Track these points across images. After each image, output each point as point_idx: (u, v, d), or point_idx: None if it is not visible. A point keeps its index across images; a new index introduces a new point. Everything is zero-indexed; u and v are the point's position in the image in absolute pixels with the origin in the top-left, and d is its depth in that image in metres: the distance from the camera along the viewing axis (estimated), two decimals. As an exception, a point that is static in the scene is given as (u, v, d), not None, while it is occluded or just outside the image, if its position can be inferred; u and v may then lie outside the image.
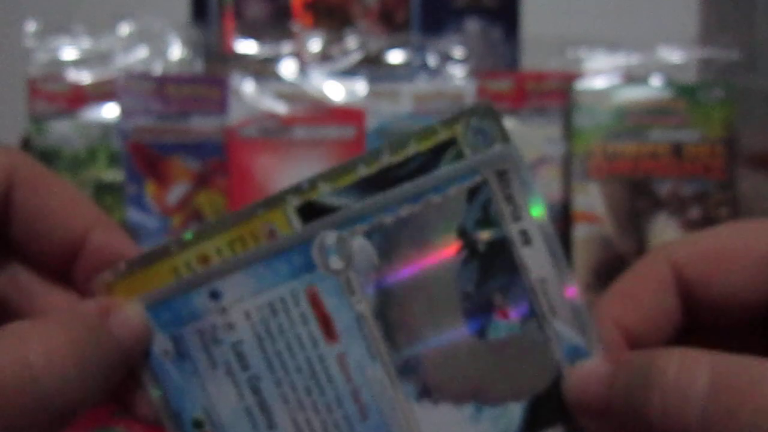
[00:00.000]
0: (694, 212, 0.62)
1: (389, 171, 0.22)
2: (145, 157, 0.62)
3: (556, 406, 0.22)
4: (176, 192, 0.62)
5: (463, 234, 0.22)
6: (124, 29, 0.63)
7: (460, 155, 0.22)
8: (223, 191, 0.62)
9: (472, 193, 0.22)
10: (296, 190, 0.22)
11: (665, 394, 0.18)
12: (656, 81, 0.64)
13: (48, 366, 0.19)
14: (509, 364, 0.22)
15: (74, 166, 0.62)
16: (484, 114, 0.22)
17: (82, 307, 0.22)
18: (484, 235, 0.22)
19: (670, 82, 0.63)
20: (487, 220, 0.22)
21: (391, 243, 0.22)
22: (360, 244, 0.22)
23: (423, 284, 0.22)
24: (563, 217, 0.63)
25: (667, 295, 0.22)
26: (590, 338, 0.22)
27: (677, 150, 0.62)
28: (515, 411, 0.22)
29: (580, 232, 0.63)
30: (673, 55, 0.65)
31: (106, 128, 0.62)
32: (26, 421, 0.19)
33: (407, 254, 0.22)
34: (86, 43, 0.63)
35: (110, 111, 0.62)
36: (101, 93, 0.62)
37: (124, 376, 0.22)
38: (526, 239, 0.22)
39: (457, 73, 0.65)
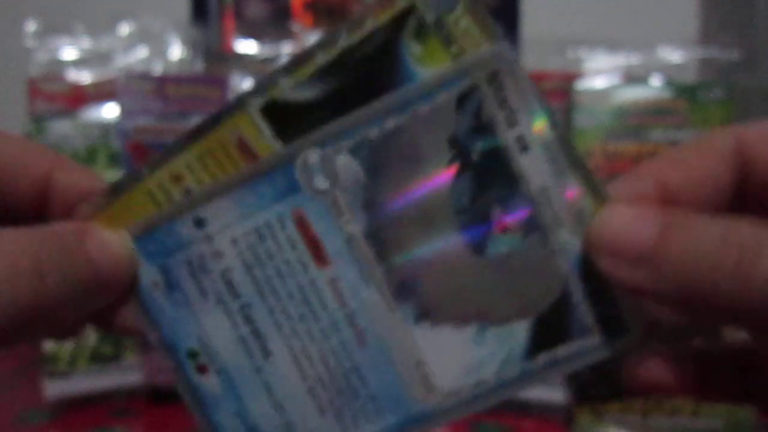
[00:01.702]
0: (754, 123, 0.62)
1: (349, 53, 0.20)
2: (145, 157, 0.62)
3: (565, 322, 0.21)
4: (176, 192, 0.62)
5: (455, 144, 0.20)
6: (124, 29, 0.63)
7: (422, 23, 0.20)
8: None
9: (462, 99, 0.20)
10: (257, 90, 0.21)
11: (737, 250, 0.17)
12: (656, 81, 0.64)
13: (2, 263, 0.18)
14: (512, 280, 0.21)
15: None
16: None
17: (57, 224, 0.21)
18: (478, 144, 0.20)
19: (670, 82, 0.63)
20: (480, 127, 0.20)
21: (378, 158, 0.21)
22: (345, 161, 0.21)
23: (415, 200, 0.21)
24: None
25: (722, 164, 0.20)
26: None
27: (677, 150, 0.62)
28: (521, 330, 0.21)
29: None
30: (673, 55, 0.65)
31: (106, 128, 0.62)
32: None
33: (396, 169, 0.21)
34: (86, 43, 0.63)
35: (110, 111, 0.62)
36: (101, 93, 0.62)
37: (104, 303, 0.21)
38: (524, 146, 0.20)
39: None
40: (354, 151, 0.21)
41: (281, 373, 0.22)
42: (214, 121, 0.21)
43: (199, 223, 0.22)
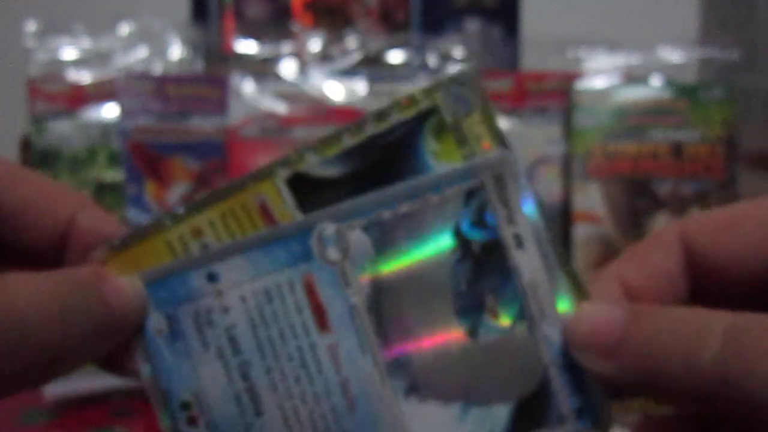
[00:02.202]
0: (694, 212, 0.62)
1: (374, 140, 0.22)
2: (145, 157, 0.62)
3: (544, 408, 0.22)
4: (176, 192, 0.62)
5: (459, 234, 0.22)
6: (124, 29, 0.63)
7: (441, 122, 0.22)
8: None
9: (469, 195, 0.22)
10: (285, 161, 0.23)
11: (687, 339, 0.19)
12: (656, 81, 0.64)
13: (34, 309, 0.19)
14: (498, 365, 0.22)
15: (74, 166, 0.62)
16: (463, 81, 0.22)
17: (76, 269, 0.22)
18: (479, 237, 0.22)
19: (670, 82, 0.63)
20: (482, 222, 0.22)
21: (388, 238, 0.22)
22: (358, 237, 0.22)
23: (417, 281, 0.22)
24: (563, 217, 0.63)
25: (673, 257, 0.23)
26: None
27: (677, 150, 0.62)
28: (502, 412, 0.22)
29: (580, 232, 0.63)
30: (673, 55, 0.65)
31: (106, 128, 0.62)
32: (9, 360, 0.19)
33: (403, 250, 0.22)
34: (86, 43, 0.63)
35: (110, 111, 0.62)
36: (101, 93, 0.62)
37: (114, 346, 0.22)
38: (519, 242, 0.22)
39: (457, 73, 0.65)
40: (367, 229, 0.22)
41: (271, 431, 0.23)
42: (241, 184, 0.23)
43: (212, 277, 0.23)
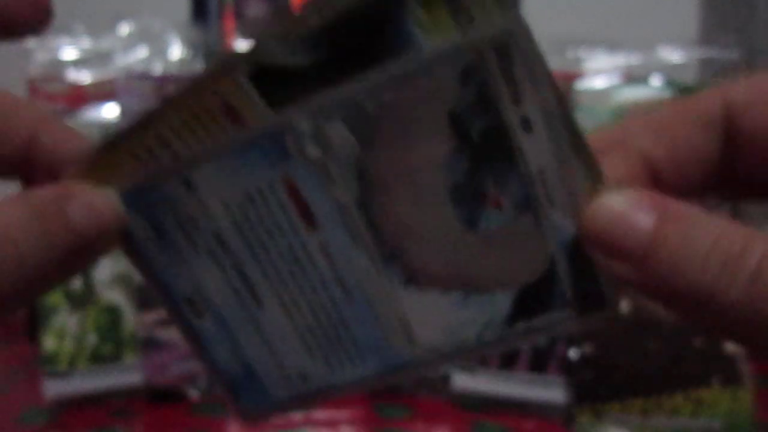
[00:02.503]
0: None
1: (347, 16, 0.18)
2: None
3: (548, 293, 0.21)
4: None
5: (455, 120, 0.19)
6: (124, 29, 0.63)
7: None
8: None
9: (466, 73, 0.19)
10: (243, 55, 0.20)
11: (721, 263, 0.17)
12: (656, 81, 0.64)
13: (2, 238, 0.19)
14: (500, 253, 0.21)
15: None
16: None
17: (38, 191, 0.21)
18: (479, 123, 0.19)
19: (670, 82, 0.63)
20: (482, 103, 0.19)
21: (373, 130, 0.20)
22: (338, 132, 0.20)
23: (409, 173, 0.20)
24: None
25: (709, 136, 0.20)
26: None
27: (677, 150, 0.62)
28: (503, 299, 0.21)
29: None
30: (673, 55, 0.65)
31: (106, 128, 0.62)
32: None
33: (391, 141, 0.20)
34: (86, 43, 0.63)
35: (110, 111, 0.62)
36: (101, 93, 0.62)
37: (96, 258, 0.22)
38: (527, 126, 0.19)
39: (457, 73, 0.65)
40: (348, 121, 0.20)
41: (272, 319, 0.23)
42: (199, 85, 0.20)
43: (189, 185, 0.22)
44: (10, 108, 0.23)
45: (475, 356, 0.23)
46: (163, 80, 0.62)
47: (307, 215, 0.21)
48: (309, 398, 0.24)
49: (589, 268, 0.20)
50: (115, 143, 0.22)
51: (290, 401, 0.25)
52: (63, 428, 0.53)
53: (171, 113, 0.21)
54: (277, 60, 0.19)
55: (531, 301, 0.21)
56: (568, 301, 0.21)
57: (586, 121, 0.63)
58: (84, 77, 0.62)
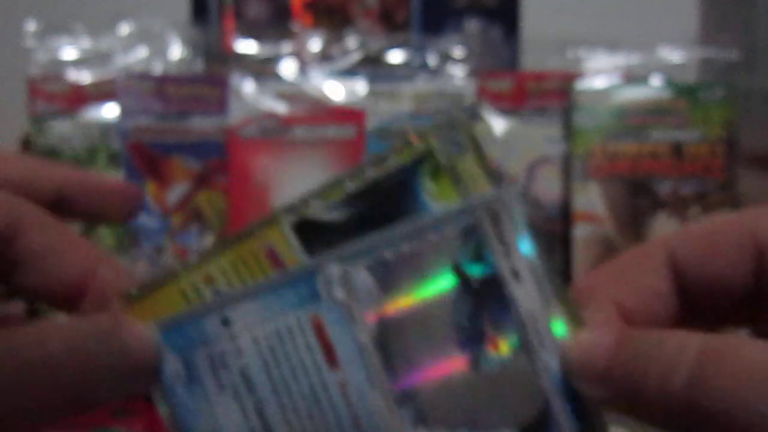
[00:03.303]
0: (694, 212, 0.62)
1: (374, 185, 0.24)
2: (145, 157, 0.62)
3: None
4: (176, 192, 0.62)
5: (458, 270, 0.23)
6: (124, 29, 0.63)
7: (437, 165, 0.24)
8: (223, 191, 0.62)
9: (467, 232, 0.23)
10: (290, 208, 0.24)
11: (661, 364, 0.20)
12: (656, 81, 0.64)
13: (65, 351, 0.21)
14: (500, 393, 0.23)
15: (74, 166, 0.62)
16: (454, 125, 0.24)
17: (98, 316, 0.23)
18: (478, 273, 0.23)
19: (670, 82, 0.63)
20: (480, 258, 0.23)
21: (391, 276, 0.24)
22: (363, 277, 0.23)
23: (420, 316, 0.23)
24: (563, 217, 0.63)
25: (662, 276, 0.23)
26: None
27: (677, 150, 0.62)
28: None
29: (580, 232, 0.63)
30: (673, 55, 0.65)
31: (106, 128, 0.62)
32: (39, 400, 0.20)
33: (406, 288, 0.24)
34: (86, 43, 0.63)
35: (110, 111, 0.62)
36: (101, 93, 0.62)
37: (131, 393, 0.23)
38: (516, 276, 0.23)
39: (457, 73, 0.65)
40: (371, 269, 0.24)
41: None
42: (249, 232, 0.24)
43: (225, 322, 0.24)
44: (75, 239, 0.24)
45: None
46: (163, 80, 0.62)
47: (331, 354, 0.23)
48: None
49: (581, 408, 0.23)
50: (164, 280, 0.24)
51: None
52: (63, 428, 0.53)
53: (220, 255, 0.24)
54: (317, 215, 0.24)
55: None
56: None
57: (586, 121, 0.63)
58: (84, 77, 0.62)
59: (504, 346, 0.23)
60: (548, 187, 0.63)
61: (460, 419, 0.23)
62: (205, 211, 0.62)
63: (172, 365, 0.24)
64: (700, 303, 0.24)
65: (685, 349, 0.20)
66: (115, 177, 0.25)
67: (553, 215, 0.63)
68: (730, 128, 0.63)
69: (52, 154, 0.62)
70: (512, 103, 0.64)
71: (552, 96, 0.64)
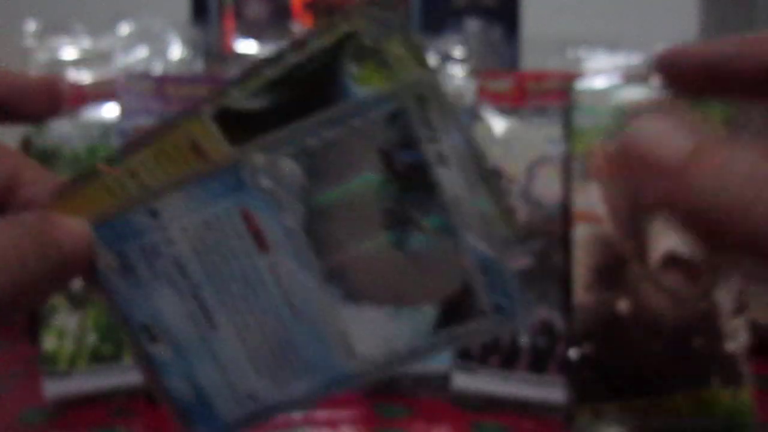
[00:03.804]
0: None
1: (295, 70, 0.23)
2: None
3: (467, 306, 0.25)
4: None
5: (384, 155, 0.24)
6: (124, 29, 0.63)
7: (361, 47, 0.23)
8: (223, 191, 0.62)
9: (393, 117, 0.23)
10: (209, 98, 0.24)
11: (756, 188, 0.18)
12: (656, 81, 0.64)
13: None
14: (424, 270, 0.24)
15: (74, 166, 0.62)
16: (382, 3, 0.23)
17: (26, 215, 0.23)
18: (404, 157, 0.24)
19: (670, 82, 0.63)
20: (405, 142, 0.23)
21: (317, 163, 0.24)
22: (288, 165, 0.24)
23: (347, 201, 0.24)
24: (563, 217, 0.63)
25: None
26: (500, 250, 0.24)
27: (677, 150, 0.62)
28: (429, 311, 0.25)
29: (580, 232, 0.63)
30: (673, 55, 0.65)
31: (106, 128, 0.62)
32: None
33: (332, 173, 0.24)
34: (86, 43, 0.63)
35: (110, 111, 0.62)
36: (101, 93, 0.62)
37: (67, 284, 0.24)
38: (442, 160, 0.23)
39: (457, 72, 0.65)
40: (296, 156, 0.23)
41: (225, 342, 0.25)
42: (170, 124, 0.24)
43: (154, 214, 0.24)
44: None
45: (407, 365, 0.25)
46: (163, 80, 0.62)
47: (260, 239, 0.24)
48: (258, 418, 0.26)
49: (500, 283, 0.24)
50: (89, 177, 0.24)
51: (240, 423, 0.27)
52: (63, 428, 0.53)
53: (143, 149, 0.24)
54: (238, 104, 0.24)
55: (452, 312, 0.25)
56: (484, 312, 0.25)
57: (586, 121, 0.63)
58: (84, 77, 0.62)
59: (428, 228, 0.24)
60: (548, 187, 0.63)
61: (387, 294, 0.25)
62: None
63: (105, 258, 0.24)
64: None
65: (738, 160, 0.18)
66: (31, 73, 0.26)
67: (553, 215, 0.63)
68: (730, 128, 0.63)
69: (52, 154, 0.62)
70: (512, 103, 0.64)
71: (552, 96, 0.64)
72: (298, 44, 0.23)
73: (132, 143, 0.24)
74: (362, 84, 0.23)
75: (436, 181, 0.23)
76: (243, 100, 0.23)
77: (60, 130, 0.61)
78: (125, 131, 0.61)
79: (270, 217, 0.24)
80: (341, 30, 0.23)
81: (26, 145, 0.62)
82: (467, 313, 0.25)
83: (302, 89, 0.23)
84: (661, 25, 0.72)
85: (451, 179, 0.23)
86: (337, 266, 0.24)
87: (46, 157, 0.61)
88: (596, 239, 0.63)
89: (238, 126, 0.24)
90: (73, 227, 0.23)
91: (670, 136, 0.19)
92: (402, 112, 0.23)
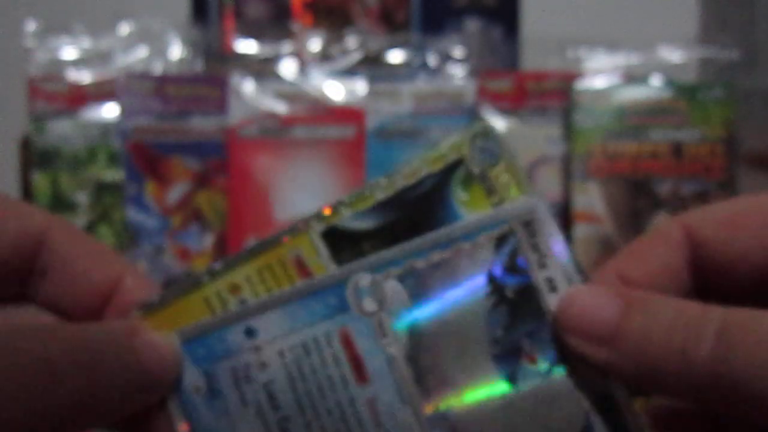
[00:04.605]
0: (697, 209, 0.62)
1: (405, 193, 0.23)
2: (145, 156, 0.62)
3: None
4: (176, 192, 0.62)
5: (492, 280, 0.22)
6: (124, 29, 0.63)
7: (469, 173, 0.23)
8: (223, 191, 0.62)
9: (500, 241, 0.22)
10: (319, 216, 0.23)
11: (684, 332, 0.19)
12: (656, 81, 0.64)
13: (65, 356, 0.19)
14: (539, 412, 0.22)
15: (74, 166, 0.62)
16: (487, 134, 0.23)
17: (111, 322, 0.22)
18: (512, 283, 0.22)
19: (670, 82, 0.63)
20: (514, 267, 0.22)
21: (423, 287, 0.23)
22: (393, 287, 0.22)
23: (453, 328, 0.22)
24: (563, 217, 0.63)
25: (675, 252, 0.22)
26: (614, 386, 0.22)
27: (677, 150, 0.62)
28: None
29: (580, 232, 0.63)
30: (673, 55, 0.65)
31: (106, 128, 0.62)
32: (36, 405, 0.19)
33: (438, 298, 0.22)
34: (86, 43, 0.63)
35: (110, 111, 0.62)
36: (101, 93, 0.62)
37: (147, 402, 0.22)
38: (552, 286, 0.22)
39: (457, 72, 0.65)
40: (402, 278, 0.22)
41: None
42: (276, 240, 0.23)
43: (250, 333, 0.23)
44: (103, 250, 0.24)
45: None
46: (163, 80, 0.62)
47: (359, 368, 0.22)
48: None
49: (623, 423, 0.21)
50: (188, 288, 0.23)
51: None
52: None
53: (246, 263, 0.23)
54: (346, 223, 0.23)
55: None
56: None
57: (586, 121, 0.63)
58: (84, 77, 0.62)
59: (541, 360, 0.22)
60: (548, 187, 0.63)
61: None
62: (205, 210, 0.62)
63: (192, 377, 0.23)
64: (715, 281, 0.23)
65: (708, 317, 0.19)
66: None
67: (553, 215, 0.63)
68: (730, 128, 0.63)
69: (52, 154, 0.62)
70: (512, 103, 0.64)
71: (552, 96, 0.64)
72: (410, 170, 0.23)
73: (236, 256, 0.23)
74: (470, 208, 0.23)
75: (546, 308, 0.22)
76: (352, 220, 0.23)
77: (60, 130, 0.61)
78: (125, 131, 0.61)
79: (371, 344, 0.22)
80: (450, 158, 0.23)
81: (26, 145, 0.62)
82: None
83: (410, 212, 0.23)
84: (661, 25, 0.72)
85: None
86: (443, 406, 0.22)
87: (46, 157, 0.61)
88: (596, 239, 0.63)
89: (346, 246, 0.23)
90: (161, 343, 0.22)
91: (599, 304, 0.20)
92: (510, 235, 0.22)
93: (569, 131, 0.64)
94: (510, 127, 0.63)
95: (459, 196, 0.23)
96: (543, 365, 0.22)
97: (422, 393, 0.22)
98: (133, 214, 0.61)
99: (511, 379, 0.22)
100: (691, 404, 0.20)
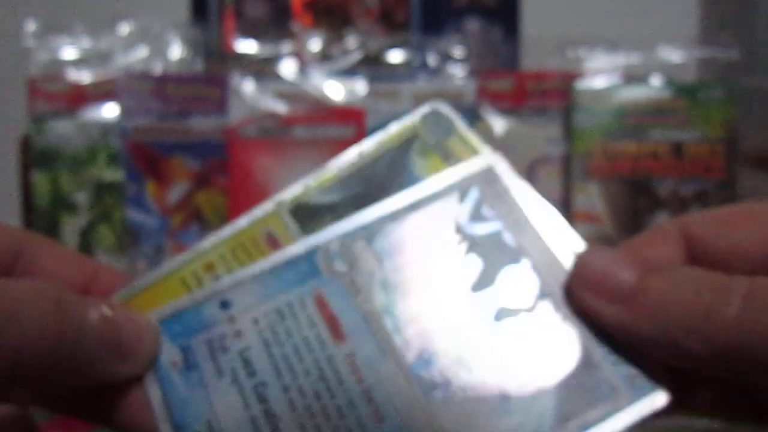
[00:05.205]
0: (694, 212, 0.62)
1: (365, 167, 0.25)
2: (145, 156, 0.62)
3: (591, 385, 0.20)
4: (176, 191, 0.62)
5: (459, 229, 0.23)
6: (124, 29, 0.63)
7: (425, 144, 0.25)
8: (223, 191, 0.62)
9: (463, 194, 0.24)
10: (287, 194, 0.25)
11: (710, 295, 0.19)
12: (656, 81, 0.64)
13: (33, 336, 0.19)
14: (529, 348, 0.21)
15: (74, 166, 0.62)
16: (437, 114, 0.25)
17: (89, 299, 0.22)
18: (480, 229, 0.23)
19: (670, 82, 0.63)
20: (479, 216, 0.23)
21: (392, 245, 0.23)
22: (362, 247, 0.23)
23: (427, 279, 0.23)
24: (563, 217, 0.63)
25: (673, 249, 0.22)
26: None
27: (677, 150, 0.62)
28: (546, 397, 0.20)
29: (580, 232, 0.62)
30: (673, 55, 0.65)
31: (106, 128, 0.62)
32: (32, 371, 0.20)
33: (410, 253, 0.23)
34: (86, 43, 0.63)
35: (110, 111, 0.62)
36: (101, 93, 0.62)
37: (123, 377, 0.22)
38: (519, 226, 0.23)
39: (457, 72, 0.65)
40: (370, 239, 0.23)
41: None
42: (248, 220, 0.25)
43: (224, 305, 0.23)
44: (76, 254, 0.25)
45: None
46: (163, 80, 0.62)
47: (335, 327, 0.22)
48: None
49: (625, 349, 0.20)
50: (167, 271, 0.24)
51: None
52: (63, 428, 0.53)
53: (221, 245, 0.24)
54: (314, 199, 0.25)
55: (575, 396, 0.20)
56: (614, 388, 0.20)
57: (586, 121, 0.63)
58: (84, 77, 0.62)
59: (524, 297, 0.22)
60: (548, 187, 0.63)
61: (489, 382, 0.21)
62: (205, 210, 0.62)
63: (169, 354, 0.23)
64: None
65: (734, 282, 0.19)
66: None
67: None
68: (730, 128, 0.63)
69: (52, 154, 0.62)
70: (512, 103, 0.64)
71: (552, 96, 0.64)
72: (368, 150, 0.25)
73: (209, 238, 0.24)
74: (429, 173, 0.24)
75: (520, 248, 0.22)
76: (318, 195, 0.25)
77: (60, 130, 0.61)
78: (125, 131, 0.61)
79: (346, 302, 0.23)
80: (405, 136, 0.25)
81: (26, 145, 0.62)
82: (594, 394, 0.20)
83: (373, 183, 0.25)
84: (661, 25, 0.72)
85: (533, 245, 0.23)
86: (426, 350, 0.21)
87: (46, 157, 0.61)
88: (596, 239, 0.63)
89: (314, 219, 0.24)
90: (139, 320, 0.22)
91: (619, 263, 0.20)
92: (473, 187, 0.24)
93: (569, 131, 0.64)
94: (510, 127, 0.63)
95: (417, 164, 0.25)
96: (527, 301, 0.22)
97: (403, 342, 0.22)
98: (133, 214, 0.61)
99: (495, 318, 0.22)
100: (706, 368, 0.19)
